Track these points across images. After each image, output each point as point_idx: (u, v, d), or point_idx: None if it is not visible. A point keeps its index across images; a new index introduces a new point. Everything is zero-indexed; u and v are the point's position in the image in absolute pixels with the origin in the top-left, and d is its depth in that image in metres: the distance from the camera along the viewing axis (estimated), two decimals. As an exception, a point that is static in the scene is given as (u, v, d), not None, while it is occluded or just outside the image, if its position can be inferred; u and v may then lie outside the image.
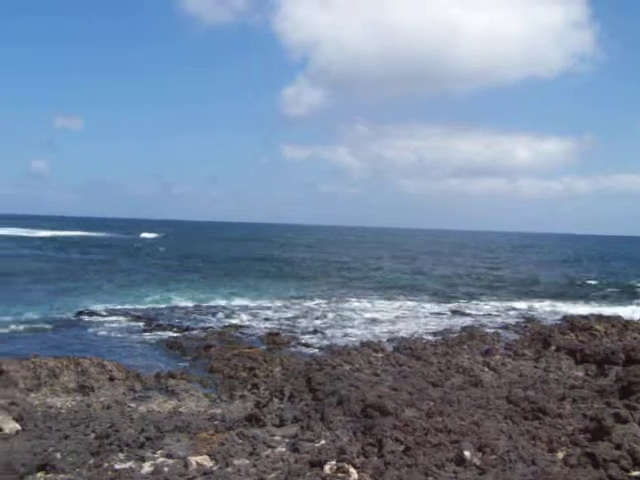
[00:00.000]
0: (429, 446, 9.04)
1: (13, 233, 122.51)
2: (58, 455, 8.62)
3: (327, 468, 8.23)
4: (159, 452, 9.30)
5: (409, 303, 39.16)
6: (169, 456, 9.10)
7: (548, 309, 38.05)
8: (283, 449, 9.56)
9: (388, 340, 24.11)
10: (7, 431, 10.25)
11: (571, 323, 25.57)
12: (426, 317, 33.41)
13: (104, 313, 30.64)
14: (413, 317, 33.28)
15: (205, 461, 8.80)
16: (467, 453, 8.62)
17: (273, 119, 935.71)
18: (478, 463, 8.48)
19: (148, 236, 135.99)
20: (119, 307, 33.12)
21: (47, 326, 26.85)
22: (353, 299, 39.70)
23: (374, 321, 31.40)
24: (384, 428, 9.72)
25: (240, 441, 9.88)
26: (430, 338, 24.91)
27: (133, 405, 13.84)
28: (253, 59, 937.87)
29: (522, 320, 31.95)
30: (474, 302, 40.72)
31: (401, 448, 9.10)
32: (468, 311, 35.96)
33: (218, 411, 13.40)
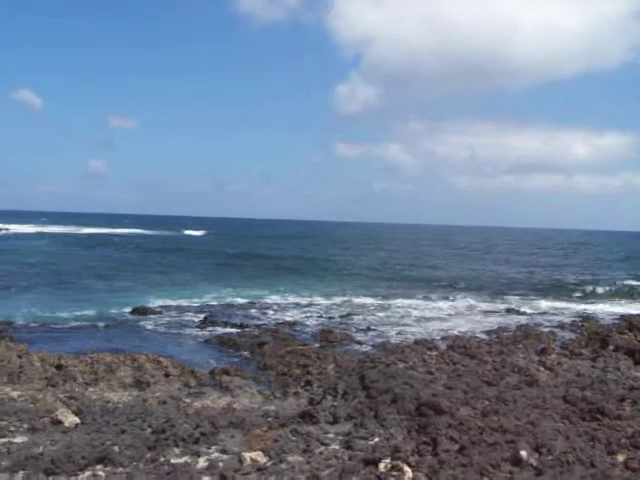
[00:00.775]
0: (484, 445, 8.93)
1: (66, 231, 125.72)
2: (116, 449, 8.75)
3: (382, 466, 8.20)
4: (214, 447, 9.36)
5: (463, 301, 38.85)
6: (224, 452, 9.16)
7: (606, 308, 37.35)
8: (337, 446, 9.55)
9: (442, 338, 23.96)
10: (67, 424, 10.46)
11: (630, 322, 24.96)
12: (480, 315, 33.09)
13: (158, 309, 31.09)
14: (467, 315, 33.00)
15: (259, 457, 8.83)
16: (523, 453, 8.49)
17: (326, 117, 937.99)
18: (535, 464, 8.35)
19: (193, 233, 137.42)
20: (173, 303, 33.58)
21: (103, 322, 27.35)
22: (406, 297, 39.54)
23: (427, 319, 31.23)
24: (439, 427, 9.64)
25: (294, 438, 9.89)
26: (484, 336, 24.67)
27: (188, 401, 13.97)
28: (306, 57, 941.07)
29: (578, 319, 31.40)
30: (529, 300, 40.19)
31: (456, 447, 9.01)
32: (523, 309, 35.48)
33: (272, 408, 13.44)
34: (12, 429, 10.06)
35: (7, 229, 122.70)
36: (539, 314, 33.97)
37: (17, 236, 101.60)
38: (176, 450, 9.04)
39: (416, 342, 21.36)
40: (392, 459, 8.37)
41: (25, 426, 10.28)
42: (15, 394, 13.07)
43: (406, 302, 37.11)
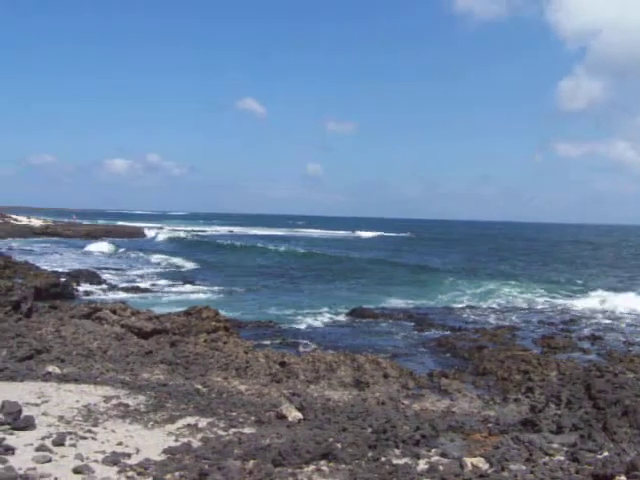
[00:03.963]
0: None
1: (286, 234, 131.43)
2: (338, 446, 8.92)
3: (614, 482, 7.71)
4: (433, 451, 9.26)
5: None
6: (444, 455, 9.03)
7: None
8: (562, 458, 9.10)
9: (677, 348, 22.27)
10: (290, 419, 10.83)
11: None
12: None
13: (377, 311, 31.42)
14: None
15: (480, 463, 8.62)
16: None
17: (547, 115, 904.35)
18: None
19: (365, 235, 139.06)
20: (390, 305, 33.86)
21: (323, 323, 28.18)
22: (635, 302, 37.09)
23: (660, 327, 29.17)
24: (677, 444, 8.92)
25: (515, 446, 9.57)
26: None
27: (407, 402, 14.01)
28: (526, 53, 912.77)
29: None
30: None
31: (699, 469, 8.27)
32: None
33: (492, 413, 13.16)
34: (241, 420, 10.59)
35: (236, 232, 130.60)
36: None
37: (248, 238, 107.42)
38: (396, 451, 9.05)
39: (647, 351, 20.05)
40: (627, 477, 7.83)
41: (252, 418, 10.78)
42: (243, 388, 13.80)
43: (634, 308, 34.84)
